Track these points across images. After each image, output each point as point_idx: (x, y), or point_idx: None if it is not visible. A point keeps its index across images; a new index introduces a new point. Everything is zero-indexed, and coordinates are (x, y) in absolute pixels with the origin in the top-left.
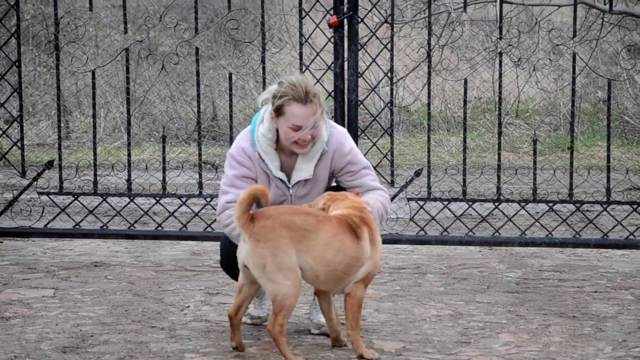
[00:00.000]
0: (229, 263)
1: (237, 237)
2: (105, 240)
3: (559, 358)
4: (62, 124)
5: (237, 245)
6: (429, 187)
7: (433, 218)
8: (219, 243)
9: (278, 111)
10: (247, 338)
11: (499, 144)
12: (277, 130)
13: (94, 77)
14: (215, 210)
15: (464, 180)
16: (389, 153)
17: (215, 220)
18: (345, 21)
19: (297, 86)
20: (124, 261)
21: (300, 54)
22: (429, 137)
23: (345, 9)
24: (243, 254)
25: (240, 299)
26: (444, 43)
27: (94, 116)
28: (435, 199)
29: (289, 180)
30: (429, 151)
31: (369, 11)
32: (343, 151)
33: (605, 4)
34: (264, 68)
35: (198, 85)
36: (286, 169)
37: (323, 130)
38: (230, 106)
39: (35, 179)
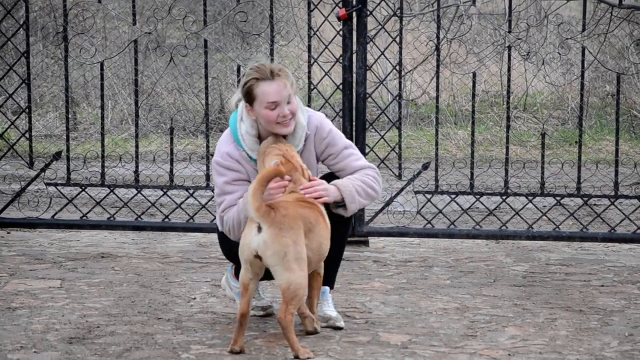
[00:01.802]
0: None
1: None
2: (112, 232)
3: (565, 352)
4: (70, 116)
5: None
6: (436, 180)
7: (440, 211)
8: None
9: (249, 97)
10: (252, 330)
11: (507, 137)
12: (257, 125)
13: (102, 69)
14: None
15: (472, 174)
16: (397, 146)
17: None
18: (354, 14)
19: (260, 67)
20: (130, 252)
21: (309, 46)
22: (437, 130)
23: (354, 2)
24: (257, 243)
25: (248, 296)
26: (452, 36)
27: (102, 108)
28: (442, 192)
29: None
30: (436, 144)
31: (378, 4)
32: (321, 134)
33: None
34: (272, 61)
35: (206, 77)
36: None
37: (299, 113)
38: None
39: (42, 170)
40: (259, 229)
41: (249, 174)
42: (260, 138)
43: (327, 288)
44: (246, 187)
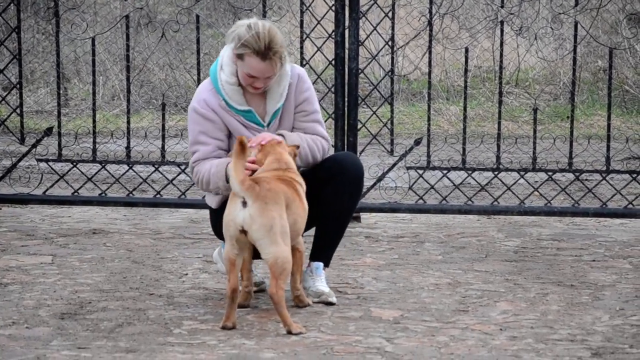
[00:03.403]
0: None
1: (216, 187)
2: (104, 208)
3: (557, 326)
4: (61, 91)
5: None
6: (428, 155)
7: (432, 187)
8: None
9: (239, 56)
10: (244, 306)
11: (499, 112)
12: (237, 73)
13: (93, 45)
14: None
15: (464, 149)
16: (389, 122)
17: None
18: None
19: (261, 40)
20: (122, 228)
21: (301, 22)
22: (429, 106)
23: None
24: (242, 218)
25: (236, 271)
26: (444, 11)
27: (93, 83)
28: (434, 168)
29: (263, 120)
30: (428, 120)
31: None
32: (302, 86)
33: None
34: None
35: (198, 53)
36: (257, 110)
37: (286, 66)
38: None
39: (34, 145)
40: (244, 203)
41: (226, 124)
42: (241, 86)
43: (321, 264)
44: (220, 140)
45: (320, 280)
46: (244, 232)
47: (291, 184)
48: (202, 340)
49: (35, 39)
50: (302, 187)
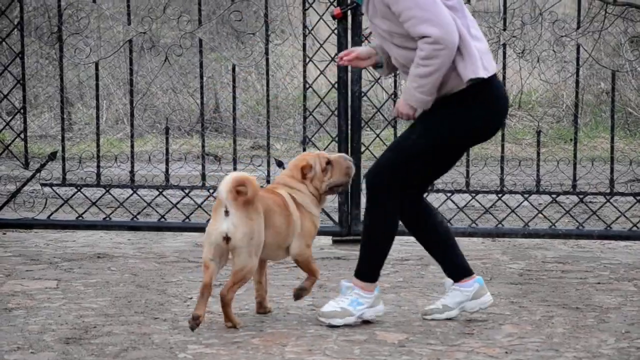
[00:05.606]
0: None
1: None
2: (108, 232)
3: (562, 349)
4: (65, 116)
5: None
6: None
7: (436, 209)
8: None
9: None
10: (249, 329)
11: (502, 135)
12: None
13: (97, 69)
14: None
15: (467, 172)
16: None
17: None
18: (349, 12)
19: None
20: (126, 253)
21: (304, 45)
22: None
23: (348, 1)
24: (226, 226)
25: (210, 272)
26: None
27: (97, 108)
28: (438, 191)
29: None
30: None
31: None
32: None
33: None
34: (267, 60)
35: (201, 77)
36: None
37: None
38: (234, 98)
39: (38, 170)
40: (226, 212)
41: None
42: None
43: (344, 283)
44: None
45: (334, 300)
46: (226, 239)
47: (279, 197)
48: None
49: (39, 63)
50: (292, 200)
